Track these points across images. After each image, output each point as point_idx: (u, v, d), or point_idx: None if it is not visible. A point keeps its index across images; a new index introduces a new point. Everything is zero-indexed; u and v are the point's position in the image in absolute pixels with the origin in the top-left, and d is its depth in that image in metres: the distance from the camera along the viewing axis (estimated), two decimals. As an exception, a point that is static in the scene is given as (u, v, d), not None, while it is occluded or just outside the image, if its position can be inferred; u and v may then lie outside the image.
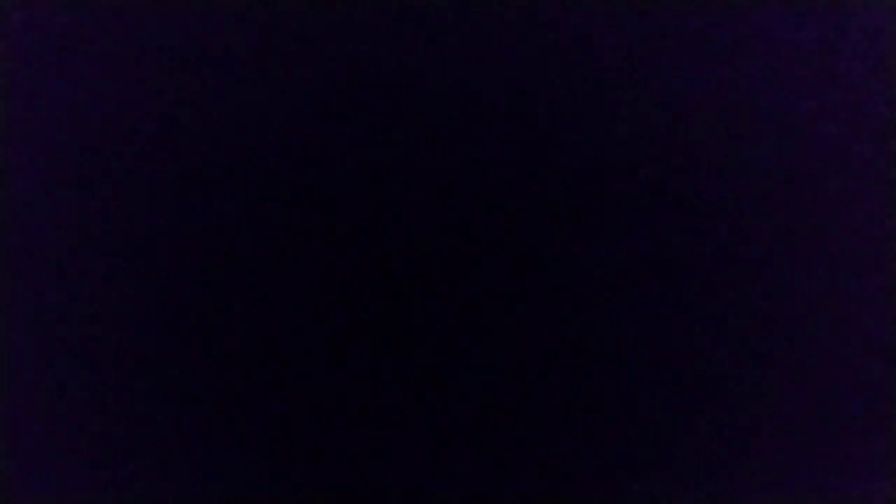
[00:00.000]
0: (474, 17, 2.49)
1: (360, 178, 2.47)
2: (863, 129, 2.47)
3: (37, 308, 2.45)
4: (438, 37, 2.48)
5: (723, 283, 2.44)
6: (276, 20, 2.49)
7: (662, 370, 2.42)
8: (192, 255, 2.45)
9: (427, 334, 2.44)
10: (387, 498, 2.41)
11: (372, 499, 2.42)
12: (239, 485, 2.42)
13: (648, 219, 2.45)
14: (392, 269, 2.45)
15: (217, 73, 2.48)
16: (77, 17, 2.49)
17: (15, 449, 2.43)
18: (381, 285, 2.45)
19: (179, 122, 2.48)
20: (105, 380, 2.43)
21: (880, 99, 2.47)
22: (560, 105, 2.47)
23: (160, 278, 2.45)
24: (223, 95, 2.48)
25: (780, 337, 2.43)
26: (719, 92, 2.47)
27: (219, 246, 2.45)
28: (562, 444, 2.42)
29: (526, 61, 2.48)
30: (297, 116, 2.48)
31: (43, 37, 2.49)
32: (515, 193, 2.46)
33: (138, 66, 2.48)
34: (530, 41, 2.48)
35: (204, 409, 2.42)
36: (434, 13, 2.48)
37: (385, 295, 2.45)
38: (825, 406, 2.42)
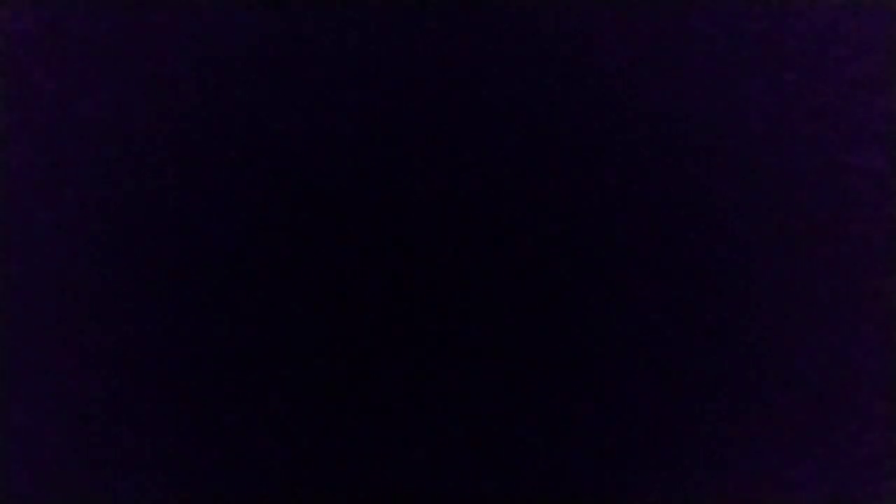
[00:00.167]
0: (474, 18, 2.49)
1: (361, 177, 2.47)
2: (863, 129, 2.47)
3: (37, 308, 2.45)
4: (438, 37, 2.48)
5: (722, 282, 2.44)
6: (276, 20, 2.49)
7: (662, 370, 2.42)
8: (193, 255, 2.45)
9: (427, 334, 2.44)
10: (387, 498, 2.41)
11: (372, 499, 2.42)
12: (239, 485, 2.42)
13: (648, 218, 2.45)
14: (392, 269, 2.45)
15: (217, 73, 2.48)
16: (77, 17, 2.49)
17: (15, 449, 2.43)
18: (381, 285, 2.45)
19: (179, 122, 2.48)
20: (105, 380, 2.43)
21: (880, 99, 2.47)
22: (559, 105, 2.47)
23: (160, 278, 2.45)
24: (223, 95, 2.48)
25: (780, 337, 2.43)
26: (719, 92, 2.48)
27: (219, 246, 2.45)
28: (562, 444, 2.42)
29: (525, 61, 2.48)
30: (298, 116, 2.48)
31: (43, 37, 2.49)
32: (515, 193, 2.46)
33: (138, 66, 2.48)
34: (530, 41, 2.48)
35: (204, 409, 2.42)
36: (434, 13, 2.48)
37: (385, 295, 2.45)
38: (825, 406, 2.42)
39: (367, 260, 2.45)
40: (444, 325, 2.43)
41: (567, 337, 2.43)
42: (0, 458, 2.43)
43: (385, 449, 2.42)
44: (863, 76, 2.47)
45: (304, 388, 2.43)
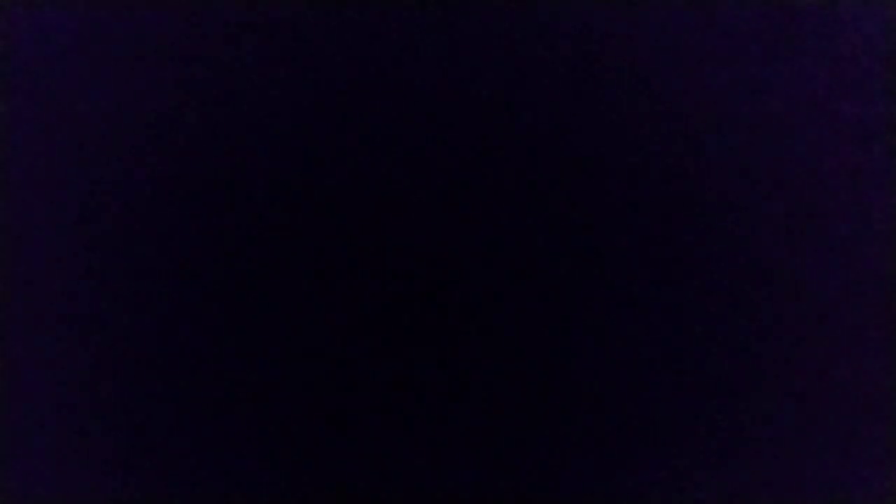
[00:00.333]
0: (474, 18, 2.49)
1: (361, 177, 2.47)
2: (863, 129, 2.47)
3: (37, 308, 2.45)
4: (438, 37, 2.48)
5: (722, 282, 2.44)
6: (275, 20, 2.49)
7: (662, 370, 2.42)
8: (193, 256, 2.45)
9: (427, 334, 2.44)
10: (387, 498, 2.41)
11: (372, 499, 2.42)
12: (239, 485, 2.42)
13: (648, 218, 2.45)
14: (392, 269, 2.45)
15: (217, 73, 2.48)
16: (77, 17, 2.49)
17: (15, 449, 2.43)
18: (381, 285, 2.45)
19: (179, 122, 2.48)
20: (105, 380, 2.43)
21: (880, 99, 2.47)
22: (560, 105, 2.47)
23: (161, 278, 2.45)
24: (223, 95, 2.48)
25: (780, 336, 2.43)
26: (718, 92, 2.47)
27: (219, 246, 2.45)
28: (562, 444, 2.42)
29: (525, 61, 2.48)
30: (297, 116, 2.48)
31: (43, 37, 2.49)
32: (515, 193, 2.46)
33: (138, 66, 2.48)
34: (529, 41, 2.48)
35: (204, 409, 2.42)
36: (434, 13, 2.48)
37: (386, 295, 2.45)
38: (825, 406, 2.42)
39: (367, 260, 2.45)
40: (444, 325, 2.43)
41: (567, 337, 2.43)
42: (0, 458, 2.43)
43: (385, 449, 2.42)
44: (863, 76, 2.47)
45: (304, 388, 2.43)
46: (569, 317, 2.43)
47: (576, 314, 2.43)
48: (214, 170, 2.46)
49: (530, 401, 2.42)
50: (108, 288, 2.45)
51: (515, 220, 2.45)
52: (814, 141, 2.46)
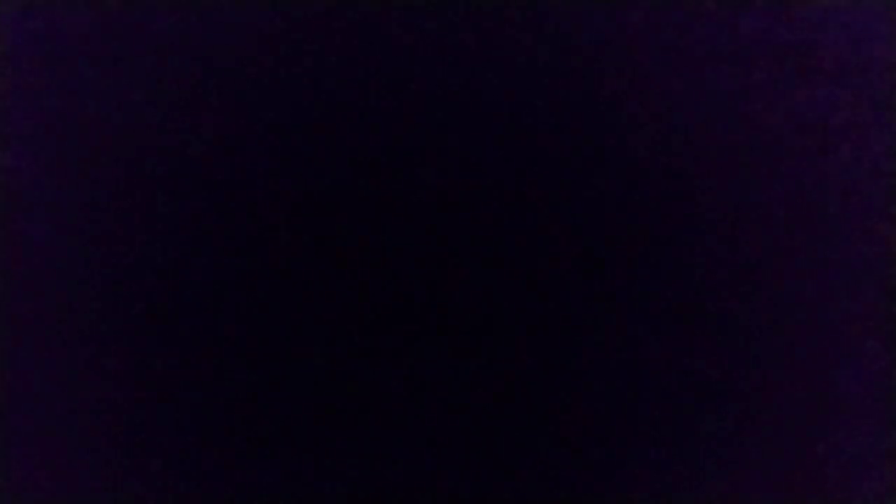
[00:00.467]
0: (474, 18, 2.49)
1: (361, 177, 2.47)
2: (863, 129, 2.47)
3: (37, 308, 2.45)
4: (438, 37, 2.48)
5: (722, 282, 2.44)
6: (275, 20, 2.49)
7: (661, 370, 2.42)
8: (193, 255, 2.45)
9: (427, 333, 2.44)
10: (387, 498, 2.41)
11: (372, 499, 2.42)
12: (239, 485, 2.42)
13: (648, 218, 2.45)
14: (391, 269, 2.45)
15: (218, 73, 2.48)
16: (77, 17, 2.49)
17: (15, 449, 2.43)
18: (381, 285, 2.45)
19: (179, 123, 2.48)
20: (105, 380, 2.43)
21: (880, 99, 2.47)
22: (560, 104, 2.47)
23: (161, 278, 2.45)
24: (223, 95, 2.48)
25: (779, 336, 2.43)
26: (718, 92, 2.47)
27: (220, 246, 2.45)
28: (562, 444, 2.42)
29: (524, 61, 2.48)
30: (297, 116, 2.48)
31: (43, 37, 2.49)
32: (515, 193, 2.46)
33: (138, 66, 2.48)
34: (529, 41, 2.48)
35: (204, 409, 2.42)
36: (434, 13, 2.48)
37: (386, 294, 2.45)
38: (825, 406, 2.42)
39: (367, 260, 2.45)
40: (444, 325, 2.43)
41: (567, 336, 2.43)
42: (0, 458, 2.43)
43: (385, 449, 2.42)
44: (862, 76, 2.47)
45: (304, 389, 2.43)
46: (568, 317, 2.43)
47: (575, 314, 2.43)
48: (215, 170, 2.46)
49: (530, 401, 2.42)
50: (108, 288, 2.45)
51: (515, 219, 2.45)
52: (814, 141, 2.46)
